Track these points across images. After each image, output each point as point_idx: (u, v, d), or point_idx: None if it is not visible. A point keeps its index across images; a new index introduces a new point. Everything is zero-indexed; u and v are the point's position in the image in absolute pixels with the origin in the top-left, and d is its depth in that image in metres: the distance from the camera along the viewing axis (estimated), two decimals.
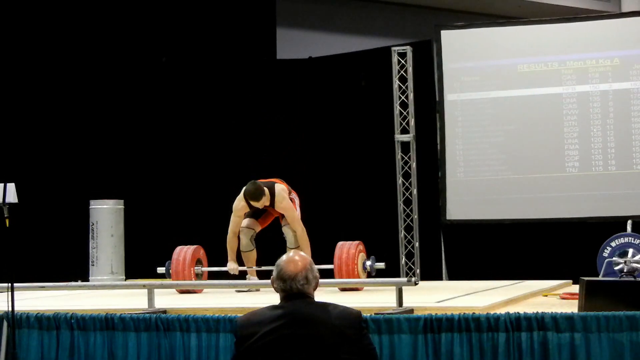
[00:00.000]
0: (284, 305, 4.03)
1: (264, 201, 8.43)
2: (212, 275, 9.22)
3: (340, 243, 8.57)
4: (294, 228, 8.51)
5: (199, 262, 8.91)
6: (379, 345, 5.78)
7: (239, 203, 8.54)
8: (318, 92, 12.90)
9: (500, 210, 11.23)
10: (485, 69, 11.38)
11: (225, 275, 8.81)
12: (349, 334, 3.96)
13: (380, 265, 8.72)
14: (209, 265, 9.04)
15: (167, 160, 12.57)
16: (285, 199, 8.48)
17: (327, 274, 8.31)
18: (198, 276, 8.87)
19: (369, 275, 8.69)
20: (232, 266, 8.64)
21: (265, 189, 8.42)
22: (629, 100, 10.86)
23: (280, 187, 8.54)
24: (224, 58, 12.91)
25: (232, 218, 8.61)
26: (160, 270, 8.92)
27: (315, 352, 3.90)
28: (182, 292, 8.48)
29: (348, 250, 8.46)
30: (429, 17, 13.49)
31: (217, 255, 9.09)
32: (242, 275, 8.84)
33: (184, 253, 8.79)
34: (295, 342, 3.91)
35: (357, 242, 8.61)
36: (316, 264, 4.20)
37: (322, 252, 8.54)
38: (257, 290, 8.30)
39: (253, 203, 8.41)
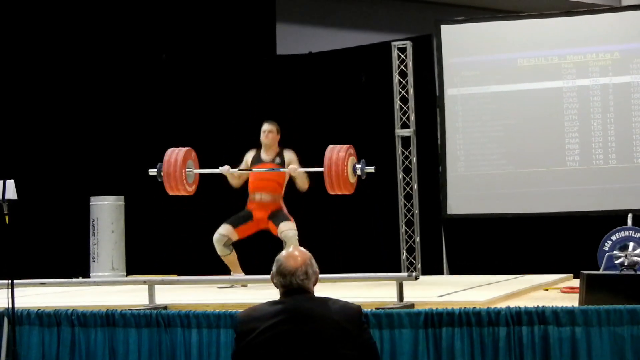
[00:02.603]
0: (284, 300, 4.04)
1: (275, 138, 8.59)
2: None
3: (330, 146, 8.49)
4: (302, 183, 8.57)
5: (190, 164, 8.89)
6: (379, 340, 5.79)
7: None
8: (318, 87, 12.88)
9: (500, 205, 11.22)
10: (485, 64, 11.37)
11: (221, 270, 8.74)
12: (349, 329, 3.96)
13: (370, 169, 8.59)
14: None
15: None
16: (294, 155, 8.57)
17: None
18: (189, 177, 8.83)
19: (359, 179, 8.64)
20: (225, 167, 8.67)
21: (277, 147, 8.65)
22: (630, 94, 10.85)
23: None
24: (224, 54, 12.90)
25: None
26: (152, 171, 8.89)
27: (315, 348, 3.90)
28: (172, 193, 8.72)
29: (338, 152, 8.40)
30: (428, 12, 13.47)
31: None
32: (228, 271, 8.77)
33: (175, 155, 8.76)
34: (296, 337, 3.91)
35: (347, 145, 8.53)
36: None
37: (322, 256, 8.54)
38: (244, 286, 8.30)
39: (266, 124, 8.62)
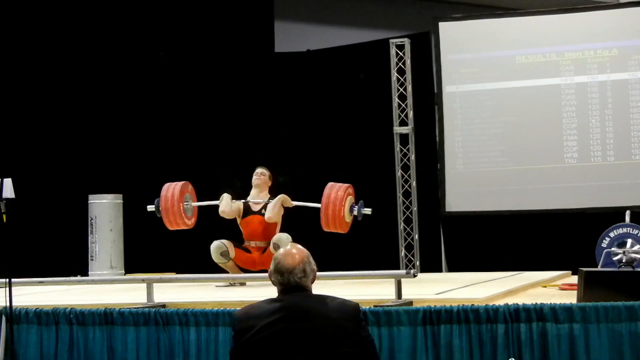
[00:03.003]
0: (281, 298, 4.03)
1: (266, 182, 8.62)
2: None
3: (330, 184, 8.54)
4: (267, 214, 8.51)
5: (188, 197, 8.90)
6: (378, 337, 5.78)
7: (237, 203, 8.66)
8: (316, 85, 12.88)
9: (499, 202, 11.22)
10: (483, 61, 11.37)
11: (220, 269, 8.72)
12: (347, 327, 3.96)
13: (368, 210, 8.64)
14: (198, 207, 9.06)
15: (166, 155, 12.56)
16: (277, 205, 8.50)
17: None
18: (187, 211, 8.85)
19: (355, 220, 8.64)
20: (226, 198, 8.66)
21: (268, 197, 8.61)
22: (627, 91, 10.85)
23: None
24: (222, 52, 12.90)
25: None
26: (150, 207, 8.90)
27: (313, 345, 3.90)
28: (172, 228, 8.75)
29: (337, 191, 8.43)
30: (426, 9, 13.47)
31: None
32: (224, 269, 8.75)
33: (172, 189, 8.78)
34: (293, 335, 3.91)
35: (347, 185, 8.57)
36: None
37: (321, 254, 8.50)
38: (243, 284, 8.29)
39: (259, 168, 8.68)
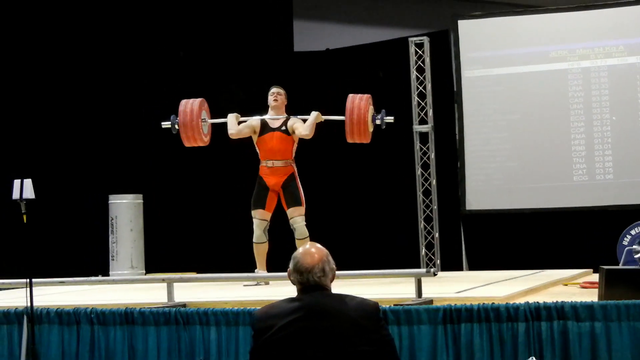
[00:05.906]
0: (301, 297, 4.03)
1: (284, 102, 8.71)
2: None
3: (351, 95, 8.60)
4: (304, 130, 8.54)
5: (203, 115, 8.89)
6: (398, 336, 5.78)
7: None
8: (335, 84, 12.86)
9: (519, 200, 11.18)
10: (503, 58, 11.31)
11: (240, 268, 8.71)
12: (367, 326, 3.95)
13: (390, 119, 8.71)
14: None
15: (186, 154, 12.56)
16: (314, 124, 8.57)
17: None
18: (204, 127, 8.84)
19: (378, 127, 8.69)
20: (233, 115, 8.73)
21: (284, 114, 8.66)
22: None
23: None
24: (242, 51, 12.91)
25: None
26: (165, 124, 8.87)
27: (332, 345, 3.89)
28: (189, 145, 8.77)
29: (360, 101, 8.53)
30: (445, 7, 13.44)
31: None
32: (250, 267, 8.74)
33: (190, 105, 8.74)
34: (313, 334, 3.91)
35: (367, 95, 8.64)
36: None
37: (340, 253, 8.49)
38: (267, 283, 8.27)
39: (274, 88, 8.69)
